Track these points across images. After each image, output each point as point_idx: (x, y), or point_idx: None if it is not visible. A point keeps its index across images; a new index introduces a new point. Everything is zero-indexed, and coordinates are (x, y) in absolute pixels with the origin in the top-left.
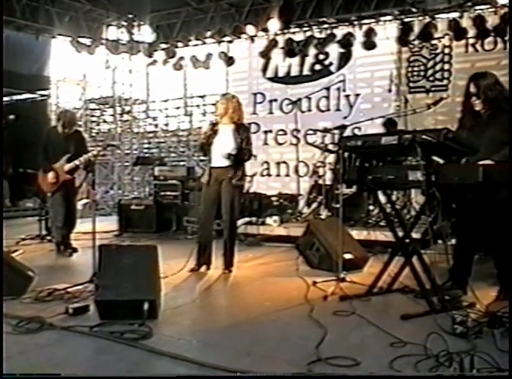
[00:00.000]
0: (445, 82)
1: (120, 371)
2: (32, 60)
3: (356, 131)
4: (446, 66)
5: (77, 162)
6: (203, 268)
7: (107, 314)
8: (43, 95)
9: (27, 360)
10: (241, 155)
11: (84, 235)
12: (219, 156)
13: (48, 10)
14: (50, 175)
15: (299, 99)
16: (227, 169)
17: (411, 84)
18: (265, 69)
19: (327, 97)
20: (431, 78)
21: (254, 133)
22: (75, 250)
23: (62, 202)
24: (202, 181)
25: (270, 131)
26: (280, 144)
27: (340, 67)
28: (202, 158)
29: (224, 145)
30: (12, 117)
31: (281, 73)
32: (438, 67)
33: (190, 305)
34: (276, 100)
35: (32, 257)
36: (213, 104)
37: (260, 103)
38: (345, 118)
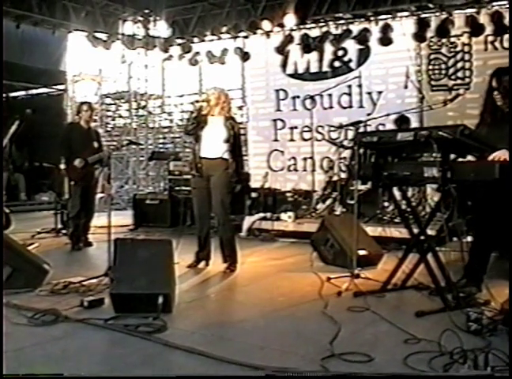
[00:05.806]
0: (467, 80)
1: (134, 364)
2: (48, 55)
3: (381, 128)
4: (467, 64)
5: (101, 154)
6: (202, 264)
7: (122, 307)
8: (59, 90)
9: (42, 351)
10: (236, 149)
11: (99, 229)
12: (210, 147)
13: (65, 5)
14: (77, 161)
15: (315, 95)
16: (218, 161)
17: (432, 83)
18: (284, 66)
19: (349, 94)
20: (452, 76)
21: (280, 129)
22: (89, 244)
23: (81, 194)
24: (192, 173)
25: (296, 127)
26: (305, 140)
27: (359, 64)
28: None
29: (215, 135)
30: (29, 111)
31: (300, 70)
32: (459, 65)
33: (204, 300)
34: (298, 97)
35: (48, 251)
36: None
37: (283, 99)
38: (369, 114)
